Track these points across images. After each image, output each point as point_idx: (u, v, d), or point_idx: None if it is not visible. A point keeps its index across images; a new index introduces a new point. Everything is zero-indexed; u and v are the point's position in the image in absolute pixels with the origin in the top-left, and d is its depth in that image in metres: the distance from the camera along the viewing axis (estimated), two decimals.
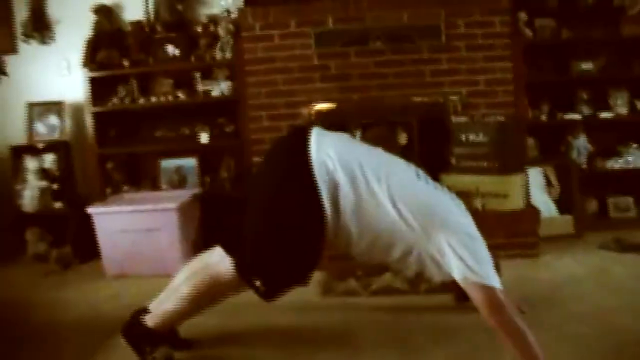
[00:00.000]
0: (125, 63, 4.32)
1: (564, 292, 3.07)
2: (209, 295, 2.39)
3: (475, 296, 2.08)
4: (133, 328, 2.47)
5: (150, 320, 2.44)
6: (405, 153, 3.67)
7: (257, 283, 2.22)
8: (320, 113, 4.05)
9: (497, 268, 2.18)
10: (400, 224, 2.11)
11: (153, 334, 2.43)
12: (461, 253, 2.07)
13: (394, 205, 2.11)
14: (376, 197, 2.12)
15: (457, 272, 2.07)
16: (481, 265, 2.07)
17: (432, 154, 3.90)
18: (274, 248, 2.21)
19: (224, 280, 2.31)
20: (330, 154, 2.17)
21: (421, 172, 2.30)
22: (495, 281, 2.07)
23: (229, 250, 2.33)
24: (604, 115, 4.35)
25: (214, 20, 4.41)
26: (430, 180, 2.30)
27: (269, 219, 2.22)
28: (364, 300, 3.10)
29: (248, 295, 2.85)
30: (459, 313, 2.74)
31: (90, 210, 3.81)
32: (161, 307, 2.45)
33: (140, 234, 3.71)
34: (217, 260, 2.36)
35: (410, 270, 2.21)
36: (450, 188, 2.37)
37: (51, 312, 3.28)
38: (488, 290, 2.05)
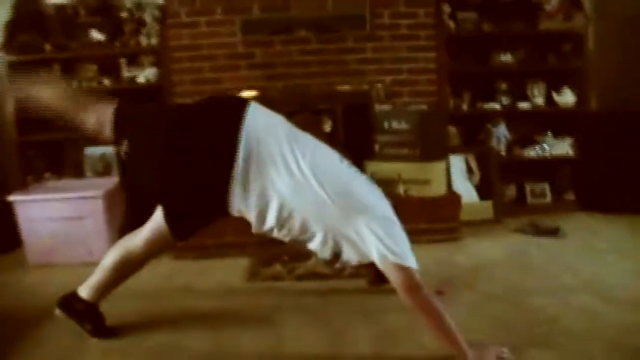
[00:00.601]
0: (47, 47, 4.24)
1: (481, 273, 3.20)
2: (129, 261, 2.51)
3: (393, 277, 2.15)
4: (68, 298, 2.57)
5: (83, 291, 2.55)
6: (330, 140, 3.73)
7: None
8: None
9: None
10: (324, 202, 2.16)
11: (87, 303, 2.54)
12: (380, 234, 2.14)
13: (320, 185, 2.17)
14: (304, 174, 2.17)
15: (376, 253, 2.14)
16: (399, 246, 2.14)
17: (356, 141, 3.99)
18: (183, 189, 2.28)
19: (140, 240, 2.47)
20: (262, 124, 2.25)
21: (343, 159, 2.36)
22: (411, 262, 2.14)
23: None
24: (522, 105, 4.53)
25: (140, 6, 4.37)
26: (351, 167, 2.36)
27: (183, 163, 2.26)
28: (289, 284, 3.14)
29: (172, 281, 2.87)
30: (381, 296, 2.81)
31: (12, 198, 3.70)
32: (91, 280, 2.55)
33: (65, 222, 3.63)
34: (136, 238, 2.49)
35: (327, 252, 2.27)
36: (373, 174, 2.45)
37: None
38: (405, 270, 2.13)
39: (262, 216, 2.23)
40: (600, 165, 4.39)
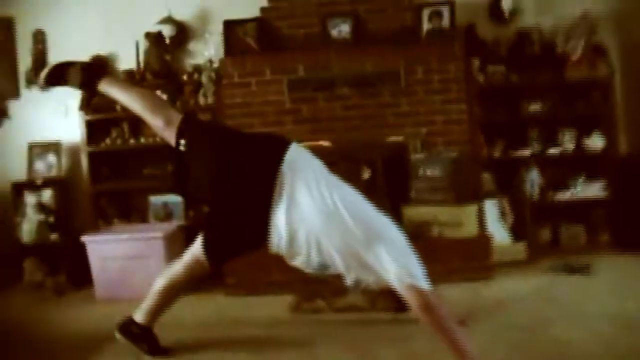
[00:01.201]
0: (118, 107, 4.68)
1: (508, 306, 3.43)
2: (178, 284, 2.91)
3: (410, 297, 2.45)
4: (126, 324, 2.98)
5: (138, 316, 2.94)
6: (369, 187, 4.08)
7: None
8: None
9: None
10: (350, 230, 2.49)
11: (142, 326, 2.93)
12: (397, 260, 2.45)
13: (347, 214, 2.51)
14: (335, 204, 2.53)
15: (394, 275, 2.44)
16: (414, 270, 2.45)
17: (393, 188, 4.28)
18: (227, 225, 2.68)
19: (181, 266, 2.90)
20: (299, 161, 2.63)
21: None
22: (425, 284, 2.44)
23: None
24: (553, 151, 4.75)
25: (197, 69, 4.82)
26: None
27: (228, 199, 2.67)
28: (329, 316, 3.45)
29: (222, 314, 3.22)
30: (409, 325, 3.10)
31: (84, 238, 4.17)
32: (143, 305, 2.96)
33: (129, 260, 4.07)
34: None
35: (351, 278, 2.59)
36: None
37: (47, 330, 3.61)
38: (420, 291, 2.43)
39: (292, 242, 2.57)
40: (632, 206, 4.53)
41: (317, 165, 2.70)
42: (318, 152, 4.27)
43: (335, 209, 2.52)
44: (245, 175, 2.63)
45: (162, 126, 2.82)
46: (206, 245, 2.76)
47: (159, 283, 2.95)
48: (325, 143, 4.44)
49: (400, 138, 4.42)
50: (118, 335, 2.97)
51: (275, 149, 2.66)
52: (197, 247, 2.82)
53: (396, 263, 2.45)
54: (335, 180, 2.67)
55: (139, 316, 2.95)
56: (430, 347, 2.74)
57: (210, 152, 2.71)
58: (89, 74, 2.93)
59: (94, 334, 3.39)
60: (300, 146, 2.76)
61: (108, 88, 2.93)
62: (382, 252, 2.47)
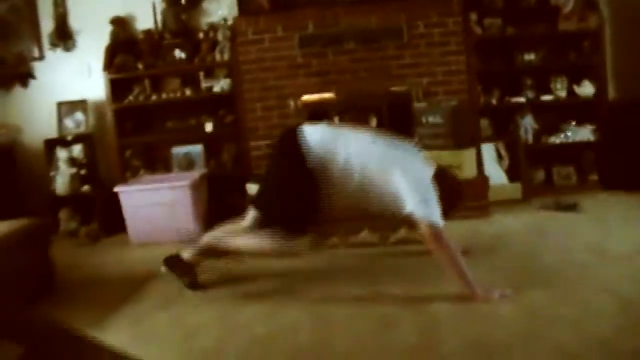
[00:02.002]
0: (139, 66, 5.03)
1: (502, 240, 3.84)
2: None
3: (423, 227, 2.85)
4: (172, 258, 3.34)
5: (185, 254, 3.31)
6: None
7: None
8: (308, 103, 4.78)
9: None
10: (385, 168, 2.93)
11: (187, 263, 3.29)
12: (411, 194, 2.84)
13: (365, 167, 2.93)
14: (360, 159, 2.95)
15: (409, 206, 2.85)
16: (429, 208, 2.83)
17: (398, 134, 4.62)
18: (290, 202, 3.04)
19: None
20: (317, 140, 3.00)
21: (379, 137, 3.10)
22: (435, 216, 2.83)
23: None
24: (546, 98, 5.08)
25: (213, 27, 5.10)
26: (392, 142, 3.09)
27: (284, 186, 3.06)
28: (344, 251, 3.85)
29: None
30: (415, 257, 3.53)
31: (117, 189, 4.54)
32: (195, 246, 3.31)
33: (159, 207, 4.45)
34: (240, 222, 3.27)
35: (376, 208, 3.02)
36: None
37: (85, 273, 4.00)
38: (432, 225, 2.82)
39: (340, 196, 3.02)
40: (619, 149, 4.88)
41: (331, 135, 3.09)
42: (327, 103, 4.76)
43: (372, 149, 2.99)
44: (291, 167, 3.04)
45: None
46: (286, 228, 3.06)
47: (214, 234, 3.29)
48: (329, 95, 4.78)
49: (403, 88, 4.77)
50: (163, 268, 3.34)
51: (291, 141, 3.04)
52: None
53: (417, 196, 2.84)
54: (348, 137, 3.08)
55: (187, 254, 3.31)
56: (434, 275, 3.15)
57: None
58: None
59: (133, 274, 3.80)
60: (306, 126, 3.13)
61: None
62: (402, 185, 2.86)
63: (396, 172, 2.91)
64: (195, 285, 3.33)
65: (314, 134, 3.05)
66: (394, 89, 4.79)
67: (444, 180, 3.02)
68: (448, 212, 2.97)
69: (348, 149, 2.97)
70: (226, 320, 2.90)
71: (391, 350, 2.45)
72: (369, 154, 2.99)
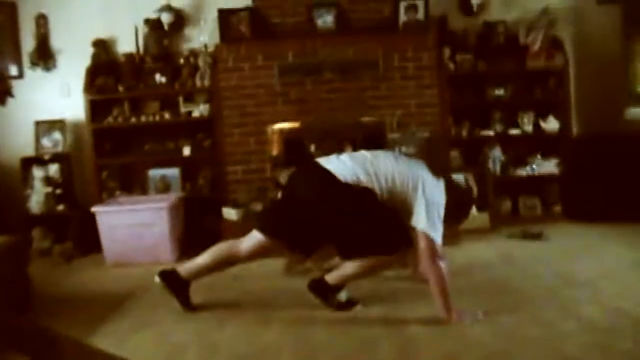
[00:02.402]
0: (120, 88, 5.09)
1: (474, 267, 3.98)
2: (225, 259, 3.31)
3: (420, 242, 2.98)
4: (169, 274, 3.34)
5: (182, 270, 3.33)
6: None
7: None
8: (283, 131, 4.90)
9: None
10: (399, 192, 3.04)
11: (182, 279, 3.32)
12: (421, 210, 2.97)
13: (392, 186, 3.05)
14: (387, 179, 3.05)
15: (414, 219, 2.99)
16: (432, 222, 2.97)
17: None
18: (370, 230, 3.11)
19: (239, 253, 3.29)
20: (345, 168, 3.10)
21: (398, 156, 3.25)
22: (437, 235, 2.97)
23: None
24: (514, 131, 5.30)
25: (194, 53, 5.20)
26: (409, 160, 3.23)
27: (358, 217, 3.11)
28: (319, 275, 3.93)
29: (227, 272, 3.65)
30: (391, 282, 3.65)
31: (94, 209, 4.57)
32: (190, 263, 3.36)
33: (137, 228, 4.48)
34: (240, 242, 3.30)
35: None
36: None
37: (62, 292, 4.00)
38: (430, 240, 2.96)
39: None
40: (582, 181, 5.10)
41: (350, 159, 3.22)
42: (303, 131, 4.87)
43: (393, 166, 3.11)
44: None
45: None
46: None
47: (215, 252, 3.32)
48: (295, 124, 4.93)
49: (378, 119, 4.92)
50: (157, 279, 3.33)
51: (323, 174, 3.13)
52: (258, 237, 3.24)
53: (426, 214, 2.97)
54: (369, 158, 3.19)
55: (183, 271, 3.33)
56: (411, 298, 3.30)
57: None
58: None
59: (111, 293, 3.83)
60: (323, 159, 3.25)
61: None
62: (416, 202, 3.00)
63: (417, 188, 3.02)
64: (187, 303, 3.37)
65: (340, 166, 3.13)
66: (366, 119, 4.94)
67: (456, 189, 3.21)
68: (459, 219, 3.27)
69: (378, 170, 3.07)
70: (207, 340, 2.96)
71: None
72: (396, 173, 3.07)
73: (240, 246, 3.29)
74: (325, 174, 3.09)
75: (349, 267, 3.24)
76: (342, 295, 3.31)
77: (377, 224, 3.11)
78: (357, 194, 3.05)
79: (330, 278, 3.30)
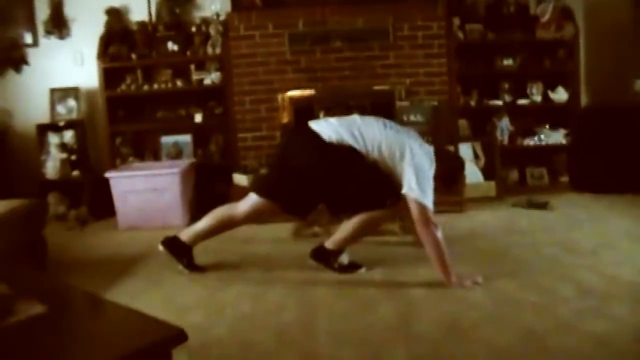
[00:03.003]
0: (132, 56, 5.17)
1: (478, 234, 4.06)
2: (223, 223, 3.42)
3: (413, 209, 3.05)
4: (171, 240, 3.47)
5: (183, 235, 3.45)
6: None
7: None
8: (293, 99, 4.96)
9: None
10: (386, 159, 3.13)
11: (185, 245, 3.44)
12: (411, 178, 3.04)
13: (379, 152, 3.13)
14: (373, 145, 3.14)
15: (405, 187, 3.06)
16: (422, 189, 3.03)
17: None
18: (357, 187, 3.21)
19: (236, 216, 3.39)
20: (333, 131, 3.18)
21: (388, 123, 3.27)
22: (428, 201, 3.03)
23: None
24: (522, 102, 5.33)
25: (206, 21, 5.26)
26: (398, 128, 3.27)
27: (338, 178, 3.20)
28: (326, 239, 4.03)
29: (238, 234, 3.77)
30: (394, 247, 3.75)
31: (108, 174, 4.69)
32: (191, 228, 3.48)
33: (149, 193, 4.60)
34: (237, 206, 3.40)
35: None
36: None
37: (76, 254, 4.15)
38: (421, 206, 3.03)
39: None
40: (590, 152, 5.12)
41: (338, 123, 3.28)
42: (312, 99, 4.93)
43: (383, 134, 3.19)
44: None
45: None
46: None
47: (214, 216, 3.44)
48: (310, 92, 4.96)
49: (387, 87, 4.95)
50: (161, 247, 3.47)
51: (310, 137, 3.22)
52: (255, 199, 3.34)
53: (408, 180, 3.04)
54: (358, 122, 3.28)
55: (184, 236, 3.46)
56: (412, 263, 3.39)
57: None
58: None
59: (123, 256, 3.96)
60: (314, 122, 3.34)
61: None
62: (405, 170, 3.07)
63: (404, 156, 3.09)
64: (192, 266, 3.49)
65: (327, 128, 3.22)
66: (376, 87, 4.97)
67: (446, 158, 3.29)
68: (450, 186, 3.30)
69: (365, 134, 3.16)
70: (213, 300, 3.09)
71: (371, 329, 2.65)
72: (382, 139, 3.15)
73: (237, 209, 3.40)
74: (312, 136, 3.19)
75: (344, 229, 3.35)
76: (344, 258, 3.42)
77: (363, 180, 3.20)
78: (342, 153, 3.14)
79: (329, 244, 3.41)
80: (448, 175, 3.25)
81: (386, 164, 3.14)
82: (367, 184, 3.21)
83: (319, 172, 3.21)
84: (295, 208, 3.44)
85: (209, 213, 3.49)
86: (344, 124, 3.23)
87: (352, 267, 3.41)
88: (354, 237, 3.39)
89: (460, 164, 3.45)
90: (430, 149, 3.23)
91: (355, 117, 3.32)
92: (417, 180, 3.04)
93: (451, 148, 4.67)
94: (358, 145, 3.14)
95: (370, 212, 3.27)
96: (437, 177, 3.14)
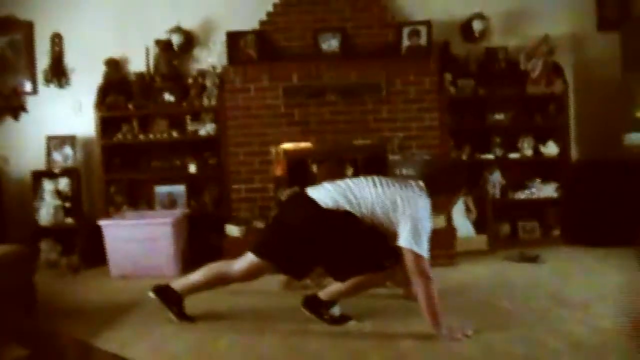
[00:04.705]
0: (130, 106, 5.24)
1: (470, 287, 4.06)
2: (217, 278, 3.43)
3: (409, 260, 3.06)
4: (163, 288, 3.47)
5: (175, 285, 3.46)
6: None
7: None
8: (287, 151, 5.02)
9: None
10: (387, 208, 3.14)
11: (176, 294, 3.44)
12: (407, 232, 3.06)
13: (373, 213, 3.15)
14: (367, 207, 3.16)
15: (399, 240, 3.07)
16: (418, 242, 3.05)
17: None
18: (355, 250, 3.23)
19: (232, 273, 3.39)
20: (328, 196, 3.22)
21: (378, 181, 3.27)
22: (422, 251, 3.05)
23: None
24: (513, 155, 5.39)
25: (202, 73, 5.35)
26: (389, 183, 3.25)
27: (336, 243, 3.22)
28: (317, 291, 4.02)
29: (229, 286, 3.74)
30: (384, 300, 3.74)
31: (101, 222, 4.71)
32: (185, 279, 3.48)
33: (142, 242, 4.61)
34: (233, 263, 3.41)
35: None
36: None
37: (66, 302, 4.11)
38: (416, 255, 3.04)
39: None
40: (581, 206, 5.18)
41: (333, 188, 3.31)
42: (306, 152, 4.99)
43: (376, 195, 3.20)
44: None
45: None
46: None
47: (210, 270, 3.45)
48: (308, 144, 5.03)
49: (380, 141, 5.02)
50: (152, 294, 3.46)
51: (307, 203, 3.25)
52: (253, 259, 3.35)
53: (405, 233, 3.06)
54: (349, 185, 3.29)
55: (177, 285, 3.47)
56: (402, 314, 3.40)
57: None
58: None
59: (114, 304, 3.93)
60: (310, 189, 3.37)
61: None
62: (400, 222, 3.10)
63: (397, 208, 3.12)
64: (182, 315, 3.48)
65: (323, 194, 3.25)
66: (368, 141, 5.02)
67: (445, 161, 3.46)
68: (455, 190, 3.38)
69: (358, 197, 3.18)
70: (204, 349, 3.07)
71: None
72: (374, 200, 3.17)
73: (234, 267, 3.40)
74: (308, 201, 3.23)
75: (341, 283, 3.37)
76: (336, 310, 3.41)
77: (361, 244, 3.22)
78: (339, 217, 3.16)
79: (323, 294, 3.43)
80: (452, 177, 3.36)
81: (383, 222, 3.16)
82: (365, 246, 3.23)
83: (316, 236, 3.22)
84: (293, 270, 3.44)
85: (205, 266, 3.50)
86: (339, 190, 3.25)
87: (343, 319, 3.40)
88: (349, 293, 3.39)
89: (461, 163, 3.50)
90: (423, 195, 3.21)
91: (348, 182, 3.34)
92: (411, 229, 3.06)
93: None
94: (353, 209, 3.17)
95: (369, 274, 3.29)
96: (441, 182, 3.29)
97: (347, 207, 3.17)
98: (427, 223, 3.14)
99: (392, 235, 3.16)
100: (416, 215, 3.11)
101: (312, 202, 3.22)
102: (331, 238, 3.22)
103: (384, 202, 3.15)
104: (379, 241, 3.23)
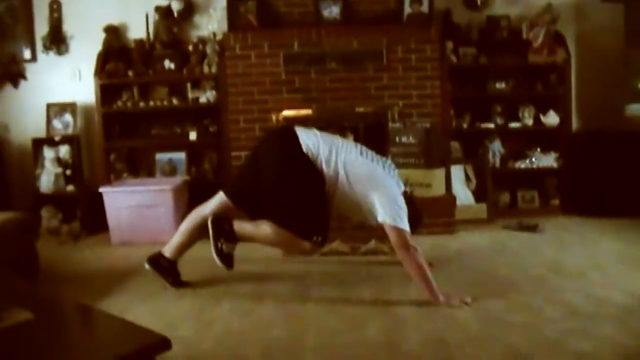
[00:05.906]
0: (130, 73, 5.22)
1: (467, 255, 4.09)
2: (198, 224, 3.43)
3: (391, 235, 3.09)
4: (156, 258, 3.50)
5: (166, 251, 3.48)
6: None
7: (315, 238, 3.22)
8: (288, 118, 5.01)
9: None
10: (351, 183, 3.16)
11: (169, 261, 3.47)
12: (384, 207, 3.08)
13: (346, 176, 3.16)
14: (344, 167, 3.17)
15: (379, 217, 3.10)
16: (397, 214, 3.08)
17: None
18: (296, 207, 3.20)
19: (207, 214, 3.40)
20: (313, 141, 3.22)
21: (365, 151, 3.31)
22: (405, 225, 3.07)
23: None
24: (514, 125, 5.39)
25: (203, 41, 5.33)
26: (373, 157, 3.30)
27: (288, 189, 3.20)
28: (317, 258, 4.04)
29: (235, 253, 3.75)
30: (383, 266, 3.77)
31: (102, 189, 4.72)
32: (171, 242, 3.50)
33: (142, 209, 4.63)
34: (206, 204, 3.45)
35: (357, 218, 3.31)
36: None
37: (67, 268, 4.15)
38: (399, 230, 3.07)
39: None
40: (580, 176, 5.20)
41: (324, 137, 3.32)
42: (307, 120, 4.98)
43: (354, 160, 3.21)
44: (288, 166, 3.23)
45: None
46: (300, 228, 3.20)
47: (186, 224, 3.48)
48: (307, 112, 5.02)
49: (380, 108, 5.01)
50: (147, 266, 3.50)
51: (290, 139, 3.25)
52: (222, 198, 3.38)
53: (382, 209, 3.08)
54: (338, 143, 3.29)
55: (167, 251, 3.49)
56: (401, 282, 3.41)
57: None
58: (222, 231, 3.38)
59: (114, 271, 3.96)
60: (299, 129, 3.35)
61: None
62: (375, 201, 3.11)
63: (374, 186, 3.14)
64: (179, 282, 3.51)
65: (310, 137, 3.26)
66: (368, 109, 5.02)
67: (409, 203, 3.26)
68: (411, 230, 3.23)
69: (340, 155, 3.20)
70: (203, 315, 3.10)
71: (358, 346, 2.65)
72: (356, 165, 3.20)
73: (206, 209, 3.44)
74: (291, 140, 3.23)
75: (260, 227, 3.26)
76: (230, 248, 3.33)
77: (309, 206, 3.21)
78: (306, 172, 3.17)
79: (237, 226, 3.32)
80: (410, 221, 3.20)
81: (352, 190, 3.17)
82: (311, 210, 3.21)
83: (276, 177, 3.22)
84: (250, 208, 3.37)
85: (183, 222, 3.53)
86: (327, 140, 3.27)
87: (227, 258, 3.32)
88: (262, 240, 3.31)
89: (421, 213, 3.47)
90: (394, 173, 3.31)
91: (338, 137, 3.38)
92: (389, 205, 3.09)
93: (442, 170, 4.73)
94: (328, 166, 3.17)
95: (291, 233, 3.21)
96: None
97: (324, 159, 3.17)
98: (400, 197, 3.17)
99: (366, 212, 3.18)
100: (394, 193, 3.15)
101: (295, 140, 3.22)
102: (287, 183, 3.20)
103: (363, 171, 3.18)
104: (324, 217, 3.25)
